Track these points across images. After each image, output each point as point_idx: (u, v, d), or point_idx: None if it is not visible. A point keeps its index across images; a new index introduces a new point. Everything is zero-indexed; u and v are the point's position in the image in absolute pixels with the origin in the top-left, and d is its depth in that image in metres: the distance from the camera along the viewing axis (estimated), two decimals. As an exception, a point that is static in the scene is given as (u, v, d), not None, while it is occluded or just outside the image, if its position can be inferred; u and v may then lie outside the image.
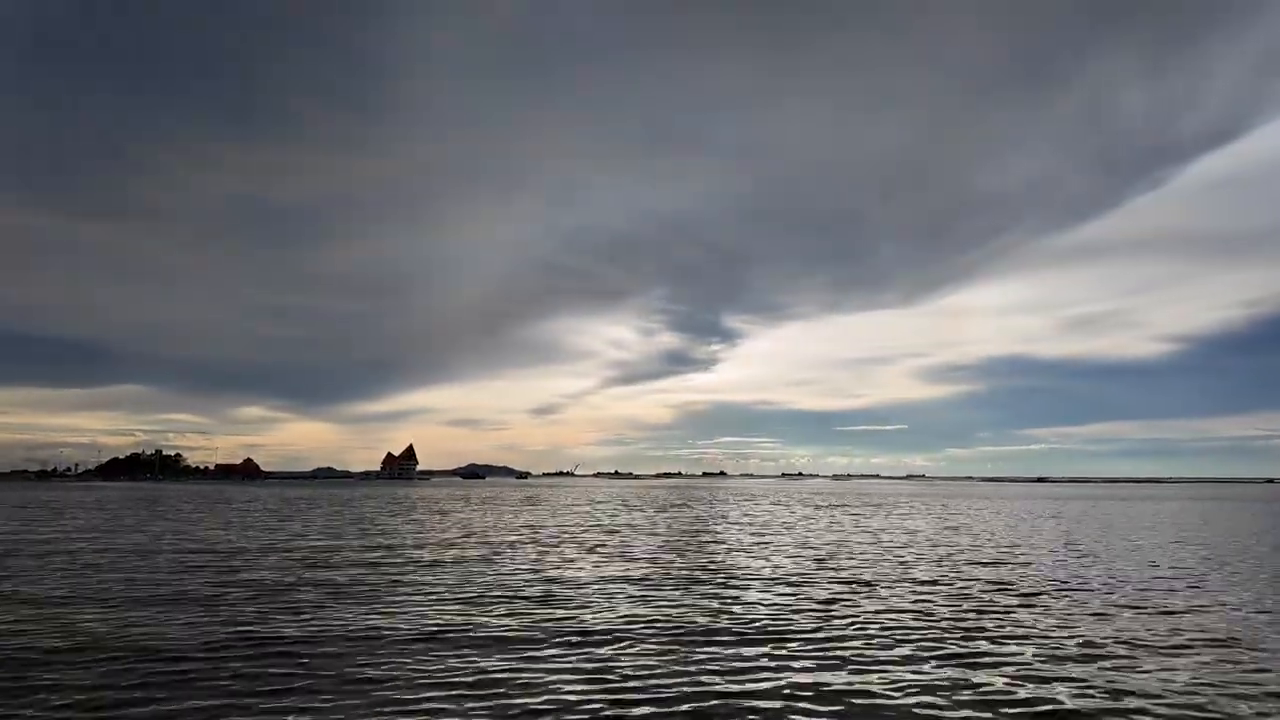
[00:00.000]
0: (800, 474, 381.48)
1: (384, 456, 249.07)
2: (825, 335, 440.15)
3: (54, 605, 13.37)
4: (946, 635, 11.22)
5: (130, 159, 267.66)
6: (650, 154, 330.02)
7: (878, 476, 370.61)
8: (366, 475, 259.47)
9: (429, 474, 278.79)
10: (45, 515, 41.83)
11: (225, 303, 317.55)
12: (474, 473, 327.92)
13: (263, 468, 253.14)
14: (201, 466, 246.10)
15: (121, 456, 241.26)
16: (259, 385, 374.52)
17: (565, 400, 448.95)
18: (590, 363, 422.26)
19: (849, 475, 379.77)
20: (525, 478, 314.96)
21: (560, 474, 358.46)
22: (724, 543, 25.86)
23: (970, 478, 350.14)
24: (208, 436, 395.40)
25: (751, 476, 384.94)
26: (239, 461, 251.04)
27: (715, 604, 13.68)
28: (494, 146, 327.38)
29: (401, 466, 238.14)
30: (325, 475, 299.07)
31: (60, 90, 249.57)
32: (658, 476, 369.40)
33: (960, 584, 16.33)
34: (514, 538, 27.47)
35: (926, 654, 10.10)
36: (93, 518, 39.42)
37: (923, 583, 16.48)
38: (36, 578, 16.91)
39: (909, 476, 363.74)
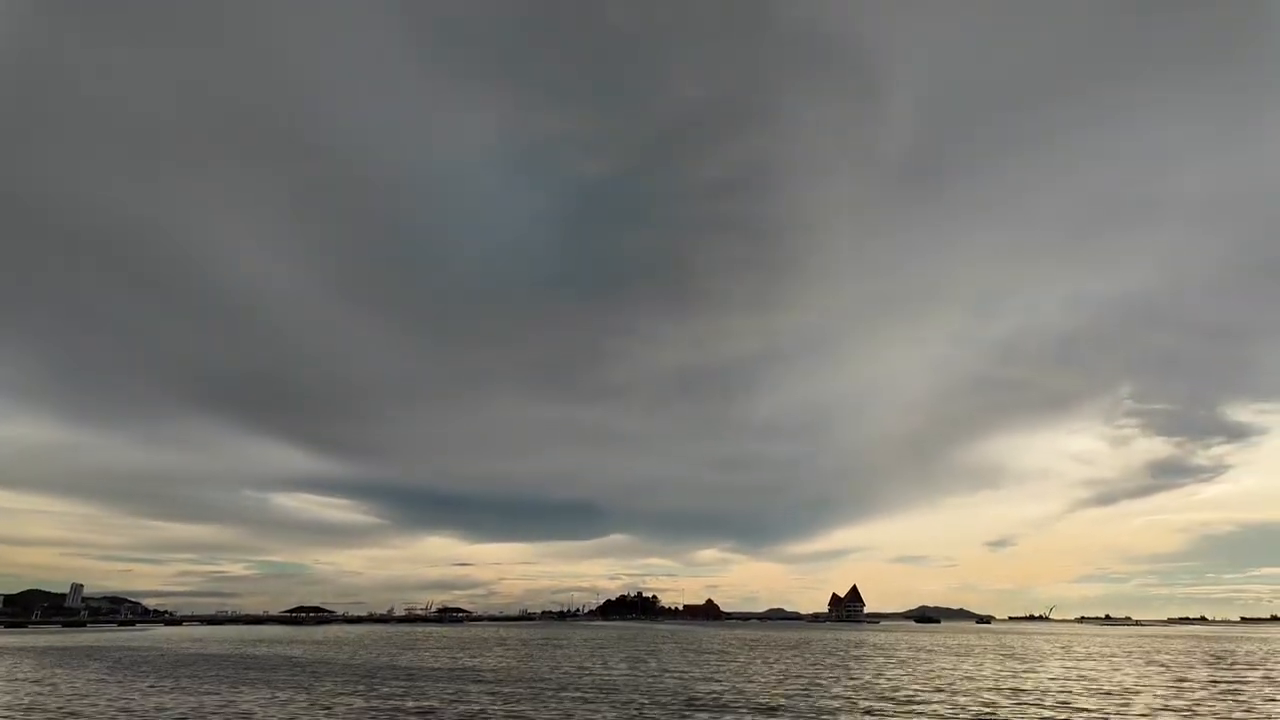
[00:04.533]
0: None
1: (829, 597, 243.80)
2: None
3: None
4: None
5: (604, 351, 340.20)
6: (1083, 235, 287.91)
7: None
8: (816, 617, 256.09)
9: (877, 616, 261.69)
10: (568, 652, 49.33)
11: (680, 458, 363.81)
12: (926, 616, 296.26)
13: (721, 607, 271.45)
14: (672, 606, 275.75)
15: (613, 598, 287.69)
16: (713, 529, 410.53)
17: (1023, 529, 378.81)
18: (1049, 483, 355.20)
19: None
20: (988, 622, 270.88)
21: (1030, 618, 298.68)
22: None
23: None
24: (674, 578, 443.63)
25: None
26: (702, 603, 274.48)
27: None
28: (899, 275, 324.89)
29: (849, 608, 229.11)
30: (776, 616, 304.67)
31: (554, 311, 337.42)
32: (1169, 622, 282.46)
33: None
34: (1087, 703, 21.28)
35: None
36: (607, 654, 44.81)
37: None
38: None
39: None
